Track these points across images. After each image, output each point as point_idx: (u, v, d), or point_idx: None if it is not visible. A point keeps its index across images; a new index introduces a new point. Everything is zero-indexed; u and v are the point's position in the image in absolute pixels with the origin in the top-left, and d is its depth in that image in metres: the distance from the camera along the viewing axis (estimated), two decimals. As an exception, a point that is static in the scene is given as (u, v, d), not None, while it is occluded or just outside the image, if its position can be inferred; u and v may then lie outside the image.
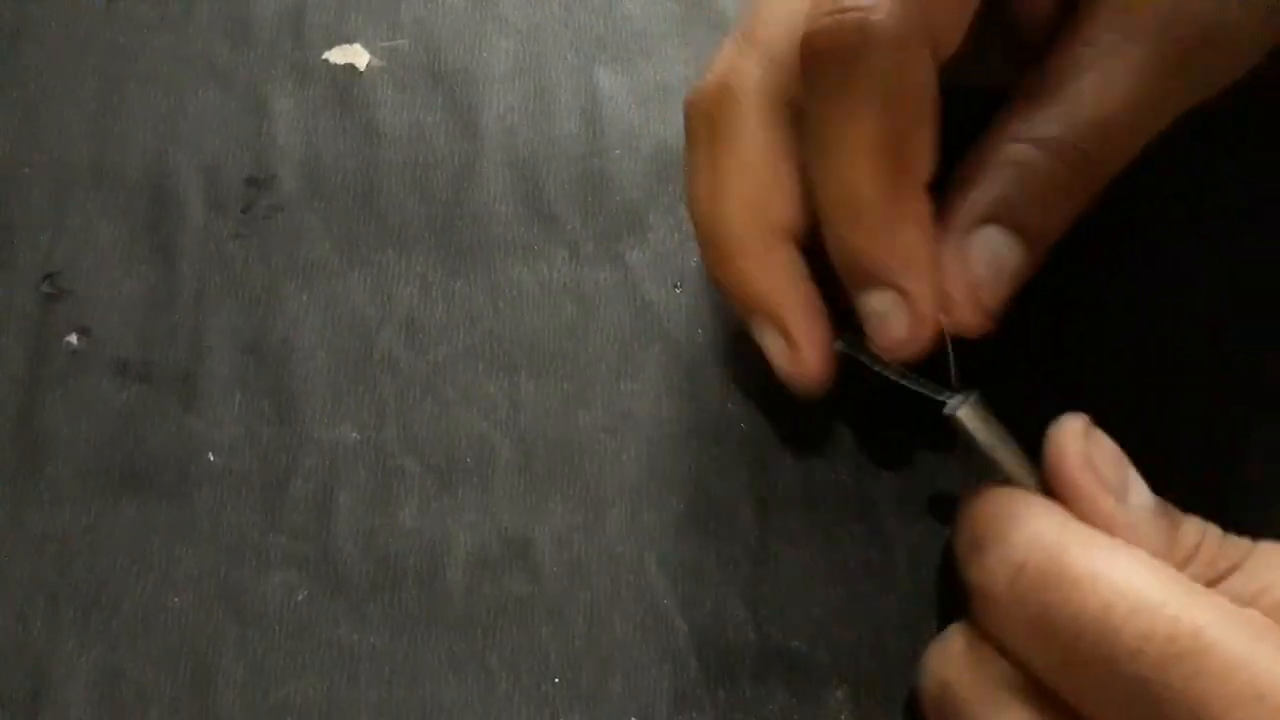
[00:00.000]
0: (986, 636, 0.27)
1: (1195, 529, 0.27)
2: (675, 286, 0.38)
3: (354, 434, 0.36)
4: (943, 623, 0.32)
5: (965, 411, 0.28)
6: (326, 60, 0.42)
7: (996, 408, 0.29)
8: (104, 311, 0.38)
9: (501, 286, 0.38)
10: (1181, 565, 0.26)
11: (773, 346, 0.31)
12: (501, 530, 0.35)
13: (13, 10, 0.43)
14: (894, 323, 0.29)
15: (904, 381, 0.29)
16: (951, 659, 0.28)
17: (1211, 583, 0.26)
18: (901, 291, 0.28)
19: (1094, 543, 0.26)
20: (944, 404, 0.29)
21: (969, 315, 0.29)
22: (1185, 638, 0.23)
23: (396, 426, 0.36)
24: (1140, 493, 0.28)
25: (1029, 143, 0.28)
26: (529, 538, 0.34)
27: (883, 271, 0.28)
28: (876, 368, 0.30)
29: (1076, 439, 0.28)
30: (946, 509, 0.33)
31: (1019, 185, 0.28)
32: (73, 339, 0.38)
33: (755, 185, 0.30)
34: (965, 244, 0.29)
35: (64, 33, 0.43)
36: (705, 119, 0.31)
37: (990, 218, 0.29)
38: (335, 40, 0.42)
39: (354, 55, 0.42)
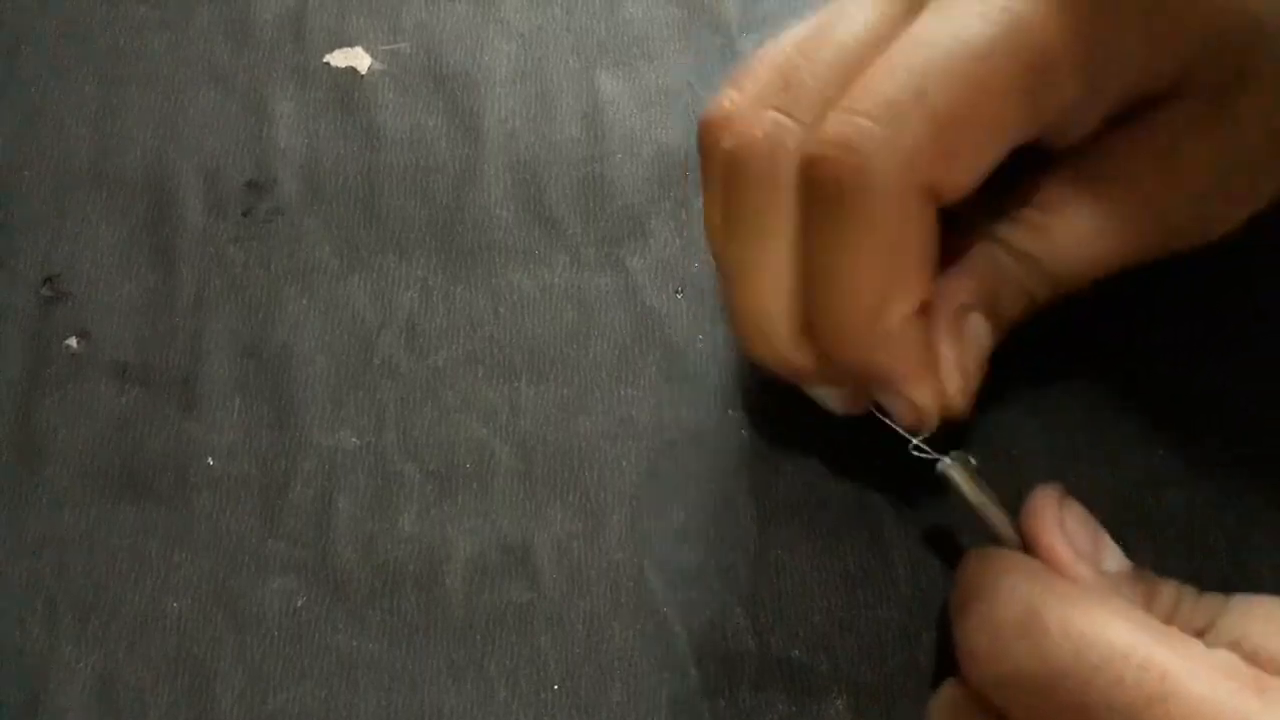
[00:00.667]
0: (972, 693, 0.28)
1: (1171, 590, 0.28)
2: (676, 292, 0.38)
3: (353, 439, 0.36)
4: (942, 634, 0.32)
5: (955, 471, 0.30)
6: (327, 63, 0.42)
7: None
8: (103, 314, 0.38)
9: (502, 291, 0.38)
10: (1164, 622, 0.27)
11: (830, 399, 0.33)
12: (501, 537, 0.35)
13: (13, 13, 0.43)
14: (902, 415, 0.31)
15: (912, 441, 0.31)
16: (943, 716, 0.29)
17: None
18: (902, 395, 0.30)
19: (1067, 595, 0.26)
20: (938, 463, 0.31)
21: (960, 398, 0.31)
22: (1153, 682, 0.24)
23: (396, 432, 0.36)
24: (1115, 559, 0.29)
25: (1009, 252, 0.31)
26: (528, 544, 0.34)
27: (882, 381, 0.30)
28: (888, 422, 0.32)
29: (1051, 507, 0.29)
30: (944, 545, 0.34)
31: (996, 284, 0.31)
32: (72, 342, 0.38)
33: (781, 268, 0.29)
34: (958, 335, 0.31)
35: (64, 35, 0.43)
36: (731, 169, 0.29)
37: (974, 307, 0.31)
38: (336, 43, 0.42)
39: (355, 58, 0.42)
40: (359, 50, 0.42)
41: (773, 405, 0.36)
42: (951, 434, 0.31)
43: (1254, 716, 0.24)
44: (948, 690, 0.29)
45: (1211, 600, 0.28)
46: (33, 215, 0.40)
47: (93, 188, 0.40)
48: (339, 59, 0.42)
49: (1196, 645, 0.25)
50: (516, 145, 0.40)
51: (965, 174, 0.28)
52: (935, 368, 0.30)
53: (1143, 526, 0.34)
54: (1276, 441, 0.35)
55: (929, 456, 0.31)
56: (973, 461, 0.31)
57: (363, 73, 0.41)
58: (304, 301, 0.38)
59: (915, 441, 0.31)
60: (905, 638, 0.33)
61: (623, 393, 0.36)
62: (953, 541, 0.33)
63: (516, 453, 0.36)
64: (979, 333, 0.31)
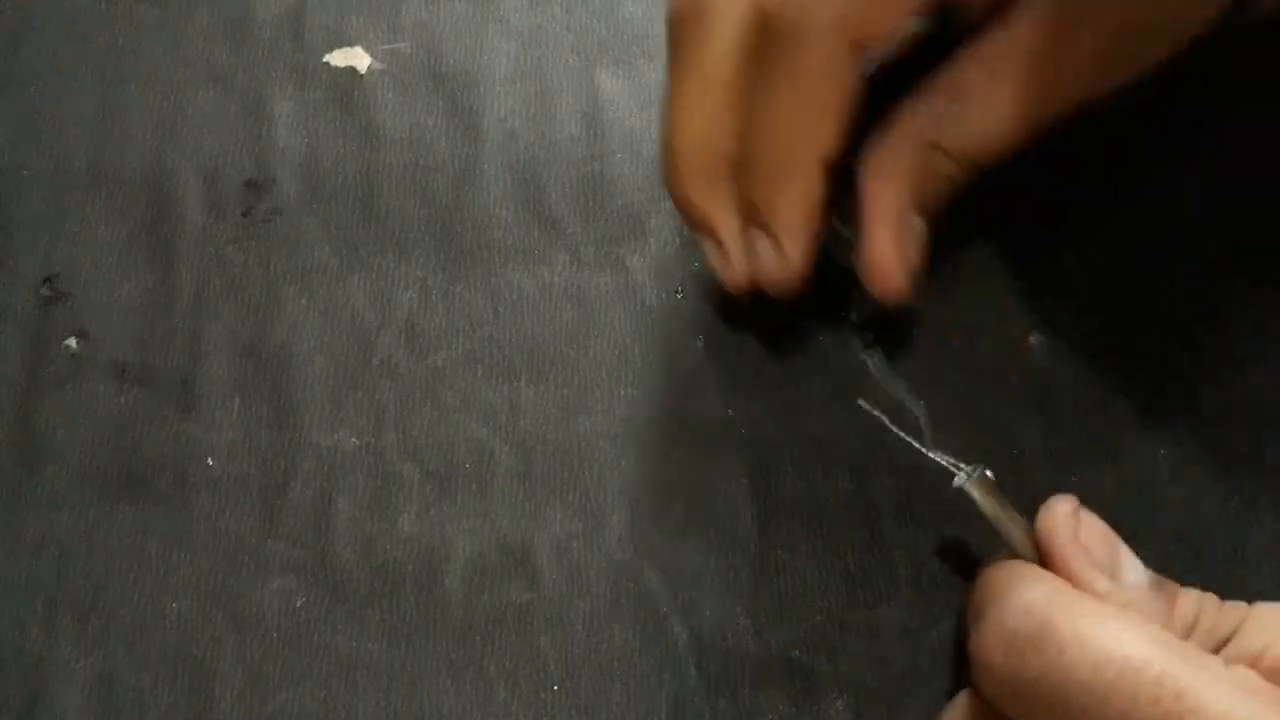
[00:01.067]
0: (986, 705, 0.28)
1: (1192, 600, 0.28)
2: (676, 292, 0.38)
3: (353, 439, 0.36)
4: (952, 640, 0.32)
5: (973, 485, 0.31)
6: (327, 63, 0.42)
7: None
8: (102, 315, 0.38)
9: (502, 291, 0.38)
10: (1183, 636, 0.27)
11: (711, 254, 0.34)
12: (500, 537, 0.35)
13: (13, 12, 0.43)
14: (768, 264, 0.33)
15: (929, 454, 0.32)
16: None
17: (1213, 649, 0.26)
18: (779, 243, 0.32)
19: (1082, 608, 0.26)
20: (955, 477, 0.31)
21: (904, 284, 0.33)
22: (1169, 699, 0.24)
23: (395, 432, 0.36)
24: (1133, 569, 0.29)
25: (943, 152, 0.33)
26: (528, 545, 0.34)
27: (768, 221, 0.32)
28: (903, 436, 0.33)
29: (1066, 520, 0.29)
30: (956, 556, 0.34)
31: (925, 181, 0.33)
32: (71, 342, 0.38)
33: (709, 109, 0.32)
34: (900, 234, 0.33)
35: (63, 34, 0.43)
36: (679, 29, 0.32)
37: (909, 208, 0.33)
38: (336, 43, 0.42)
39: (354, 58, 0.42)
40: (358, 50, 0.42)
41: (773, 405, 0.36)
42: (902, 330, 0.33)
43: None
44: (962, 700, 0.29)
45: (1233, 609, 0.28)
46: (32, 215, 0.40)
47: (92, 188, 0.40)
48: (338, 58, 0.42)
49: (1214, 661, 0.25)
50: (516, 145, 0.40)
51: (888, 24, 0.30)
52: (813, 225, 0.32)
53: (1143, 526, 0.34)
54: (1277, 442, 0.35)
55: (948, 465, 0.31)
56: (989, 475, 0.31)
57: (362, 72, 0.41)
58: (303, 301, 0.38)
59: (929, 453, 0.32)
60: (906, 638, 0.33)
61: (623, 393, 0.36)
62: (966, 553, 0.33)
63: (516, 453, 0.36)
64: (916, 229, 0.33)
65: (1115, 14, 0.32)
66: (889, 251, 0.33)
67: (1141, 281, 0.37)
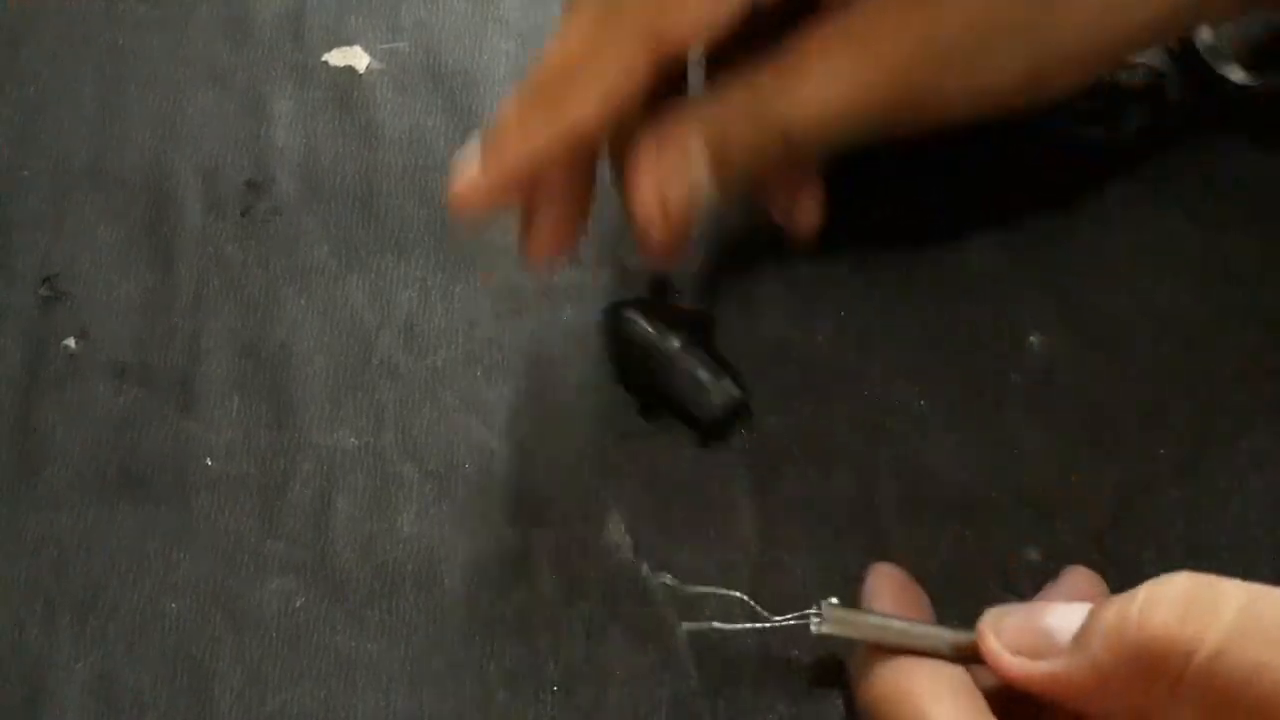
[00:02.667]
0: None
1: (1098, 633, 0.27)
2: (676, 292, 0.38)
3: (352, 439, 0.36)
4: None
5: (828, 625, 0.29)
6: (326, 62, 0.42)
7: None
8: (102, 314, 0.38)
9: (501, 291, 0.38)
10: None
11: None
12: (500, 538, 0.34)
13: (12, 11, 0.43)
14: (461, 169, 0.32)
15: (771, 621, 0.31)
16: None
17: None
18: (483, 161, 0.31)
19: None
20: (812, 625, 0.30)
21: (655, 227, 0.32)
22: None
23: (395, 432, 0.36)
24: (1057, 630, 0.27)
25: (748, 114, 0.31)
26: (527, 546, 0.34)
27: (495, 137, 0.31)
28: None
29: (988, 622, 0.28)
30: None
31: (728, 134, 0.31)
32: (70, 342, 0.38)
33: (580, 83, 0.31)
34: (667, 156, 0.31)
35: (63, 34, 0.43)
36: None
37: (692, 134, 0.31)
38: (335, 42, 0.42)
39: (354, 57, 0.42)
40: (357, 49, 0.42)
41: (773, 406, 0.36)
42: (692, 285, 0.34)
43: None
44: None
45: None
46: (31, 215, 0.40)
47: (91, 187, 0.40)
48: (337, 58, 0.42)
49: None
50: (516, 144, 0.40)
51: (696, 26, 0.30)
52: (507, 173, 0.31)
53: (1143, 526, 0.34)
54: (1277, 441, 0.35)
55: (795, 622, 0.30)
56: (834, 602, 0.29)
57: (361, 72, 0.41)
58: (302, 301, 0.38)
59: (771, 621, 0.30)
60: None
61: (622, 393, 0.36)
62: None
63: (515, 453, 0.36)
64: (697, 170, 0.31)
65: (969, 14, 0.31)
66: (652, 172, 0.31)
67: (1141, 281, 0.37)
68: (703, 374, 0.34)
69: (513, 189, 0.32)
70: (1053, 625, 0.27)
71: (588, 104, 0.30)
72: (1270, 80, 0.38)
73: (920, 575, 0.33)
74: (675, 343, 0.35)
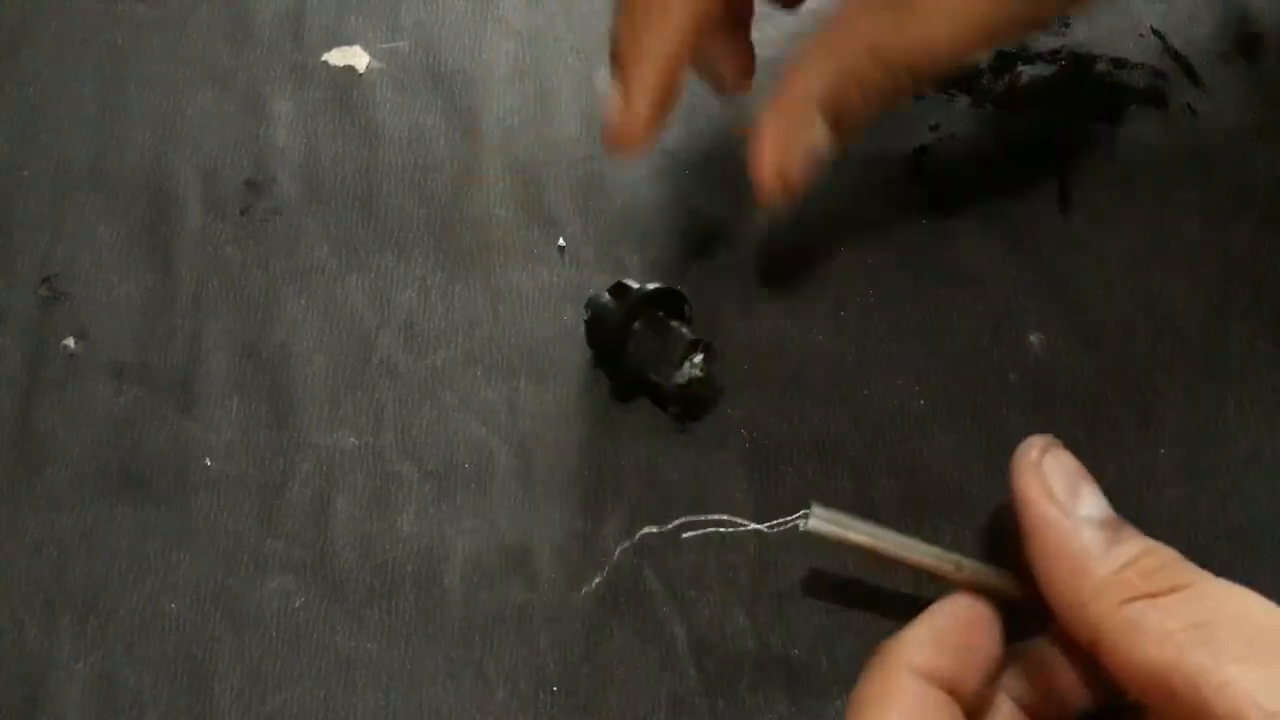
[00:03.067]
0: None
1: (1137, 545, 0.27)
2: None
3: (352, 439, 0.36)
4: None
5: (815, 521, 0.29)
6: (326, 62, 0.42)
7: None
8: (102, 315, 0.38)
9: (501, 291, 0.38)
10: (1114, 572, 0.26)
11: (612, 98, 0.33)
12: (500, 537, 0.34)
13: (12, 12, 0.43)
14: (611, 116, 0.32)
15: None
16: None
17: (1147, 594, 0.26)
18: (626, 96, 0.31)
19: None
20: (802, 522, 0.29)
21: (776, 196, 0.32)
22: None
23: (394, 432, 0.36)
24: (1091, 505, 0.28)
25: (878, 60, 0.31)
26: (527, 544, 0.34)
27: (623, 68, 0.31)
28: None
29: (1033, 451, 0.29)
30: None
31: (852, 86, 0.31)
32: (70, 342, 0.38)
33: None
34: (792, 133, 0.31)
35: (63, 34, 0.43)
36: None
37: (820, 108, 0.31)
38: (335, 42, 0.42)
39: (353, 57, 0.42)
40: (357, 49, 0.42)
41: (772, 405, 0.36)
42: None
43: None
44: None
45: (1185, 570, 0.26)
46: (31, 215, 0.40)
47: (91, 187, 0.40)
48: (337, 58, 0.42)
49: None
50: (515, 144, 0.40)
51: None
52: (665, 85, 0.31)
53: (1143, 526, 0.33)
54: (1277, 441, 0.35)
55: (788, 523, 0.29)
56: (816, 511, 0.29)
57: (361, 71, 0.41)
58: (302, 301, 0.38)
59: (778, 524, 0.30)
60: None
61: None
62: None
63: (515, 452, 0.36)
64: (818, 138, 0.32)
65: None
66: (773, 144, 0.31)
67: (1141, 281, 0.37)
68: (665, 349, 0.34)
69: (662, 109, 0.32)
70: (1084, 498, 0.28)
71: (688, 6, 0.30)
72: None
73: (920, 578, 0.33)
74: (639, 321, 0.34)
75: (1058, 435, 0.35)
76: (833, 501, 0.34)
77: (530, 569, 0.34)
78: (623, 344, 0.34)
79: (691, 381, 0.34)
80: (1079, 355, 0.36)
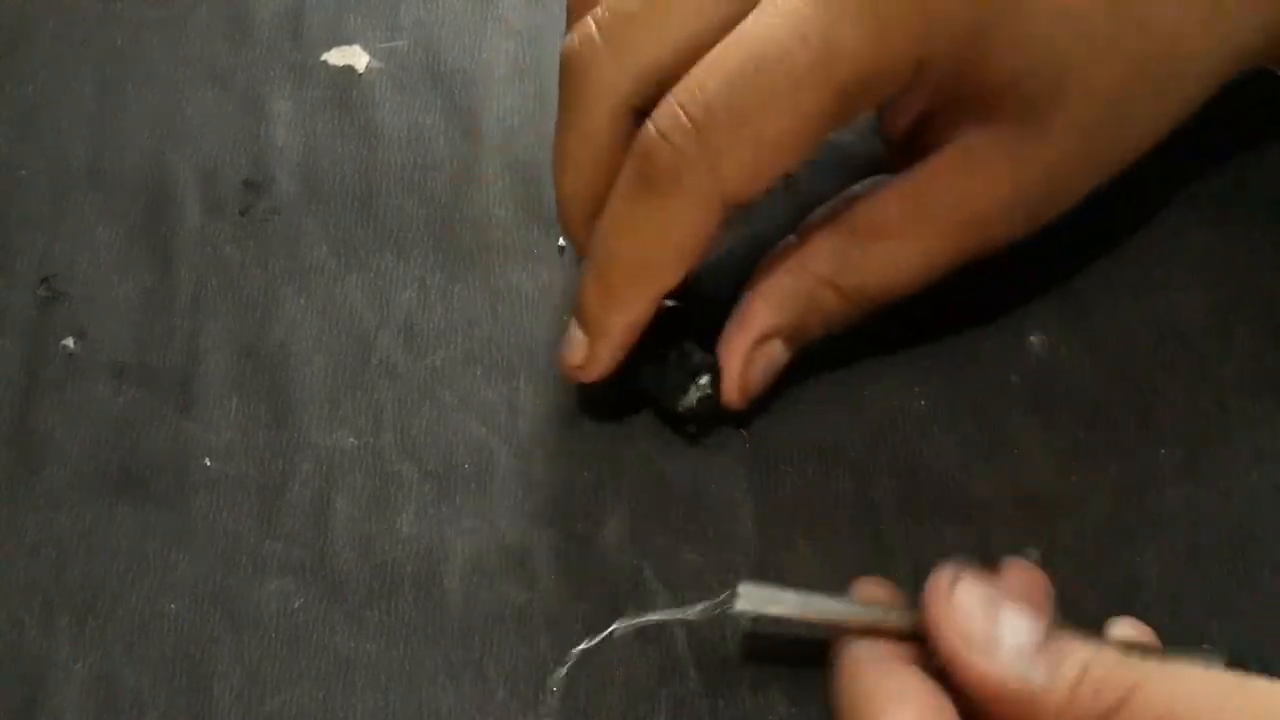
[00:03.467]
0: None
1: (1081, 657, 0.25)
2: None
3: (351, 439, 0.36)
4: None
5: (746, 602, 0.29)
6: (325, 61, 0.42)
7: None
8: (101, 314, 0.38)
9: (500, 291, 0.38)
10: (1066, 698, 0.25)
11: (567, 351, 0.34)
12: (500, 537, 0.34)
13: (11, 11, 0.43)
14: (573, 355, 0.33)
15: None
16: None
17: (1106, 713, 0.24)
18: (591, 345, 0.33)
19: None
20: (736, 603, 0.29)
21: (737, 406, 0.34)
22: None
23: (394, 432, 0.36)
24: (1013, 633, 0.26)
25: (836, 290, 0.33)
26: (527, 545, 0.34)
27: (589, 324, 0.33)
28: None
29: (943, 594, 0.27)
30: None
31: (810, 315, 0.33)
32: (69, 342, 0.38)
33: (586, 165, 0.32)
34: (751, 354, 0.34)
35: (62, 33, 0.43)
36: (564, 78, 0.32)
37: (775, 336, 0.34)
38: (334, 41, 0.42)
39: (353, 56, 0.42)
40: (357, 48, 0.42)
41: (772, 406, 0.36)
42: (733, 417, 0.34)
43: None
44: None
45: (1133, 666, 0.25)
46: (30, 215, 0.40)
47: (90, 187, 0.40)
48: (336, 57, 0.42)
49: None
50: (515, 144, 0.40)
51: (762, 181, 0.30)
52: (628, 344, 0.33)
53: (1143, 526, 0.34)
54: (1277, 440, 0.35)
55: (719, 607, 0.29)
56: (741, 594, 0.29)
57: (360, 71, 0.41)
58: (301, 301, 0.38)
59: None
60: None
61: (621, 392, 0.36)
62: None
63: (515, 452, 0.36)
64: (774, 356, 0.34)
65: (1046, 151, 0.32)
66: (733, 369, 0.34)
67: (1142, 281, 0.37)
68: (673, 373, 0.34)
69: (625, 351, 0.33)
70: (1006, 628, 0.26)
71: (667, 271, 0.32)
72: None
73: (920, 575, 0.33)
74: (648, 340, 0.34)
75: (1058, 435, 0.35)
76: (833, 502, 0.35)
77: (530, 569, 0.34)
78: (633, 369, 0.34)
79: (700, 402, 0.34)
80: (1080, 356, 0.36)
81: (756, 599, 0.28)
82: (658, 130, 0.30)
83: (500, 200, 0.39)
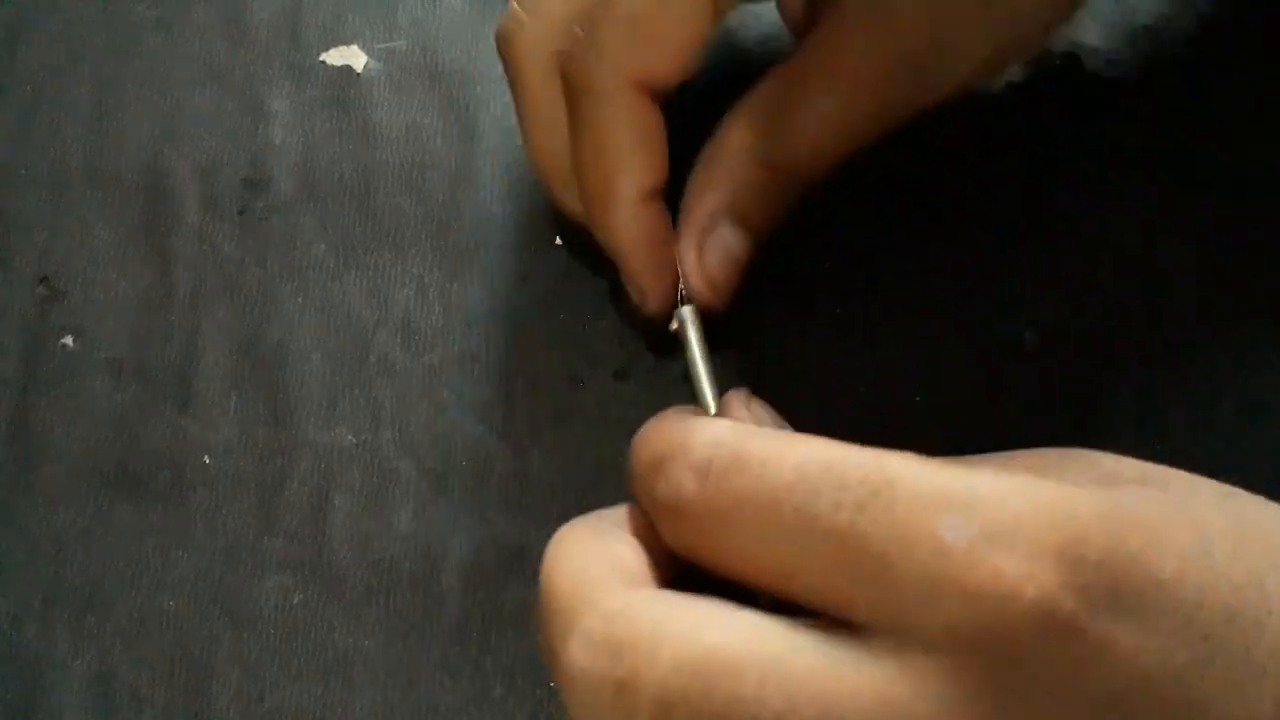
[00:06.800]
0: (681, 552, 0.26)
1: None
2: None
3: (349, 437, 0.36)
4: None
5: (689, 322, 0.32)
6: (323, 61, 0.42)
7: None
8: (99, 313, 0.38)
9: (498, 289, 0.38)
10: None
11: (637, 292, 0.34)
12: (497, 535, 0.35)
13: (9, 10, 0.43)
14: (632, 296, 0.34)
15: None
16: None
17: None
18: (628, 277, 0.33)
19: (772, 435, 0.26)
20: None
21: (708, 298, 0.34)
22: (875, 477, 0.24)
23: (392, 430, 0.36)
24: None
25: (757, 163, 0.33)
26: (525, 543, 0.34)
27: (624, 263, 0.33)
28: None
29: (739, 396, 0.31)
30: None
31: (746, 193, 0.33)
32: (68, 340, 0.38)
33: (543, 131, 0.34)
34: (703, 242, 0.33)
35: (60, 33, 0.43)
36: (501, 52, 0.34)
37: (723, 216, 0.33)
38: (332, 41, 0.42)
39: (351, 56, 0.42)
40: (355, 48, 0.42)
41: (771, 404, 0.36)
42: (713, 325, 0.33)
43: (965, 474, 0.23)
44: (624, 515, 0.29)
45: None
46: (28, 214, 0.40)
47: (88, 186, 0.40)
48: (335, 57, 0.42)
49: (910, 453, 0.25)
50: (513, 143, 0.40)
51: (672, 64, 0.32)
52: (665, 260, 0.33)
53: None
54: (1277, 441, 0.35)
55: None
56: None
57: (358, 71, 0.41)
58: (300, 299, 0.38)
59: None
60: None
61: (619, 390, 0.36)
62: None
63: (512, 450, 0.36)
64: (729, 240, 0.34)
65: (924, 23, 0.32)
66: (690, 260, 0.34)
67: (1139, 280, 0.37)
68: None
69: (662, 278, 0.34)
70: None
71: (634, 167, 0.32)
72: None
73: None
74: None
75: (1054, 434, 0.35)
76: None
77: (528, 566, 0.34)
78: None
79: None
80: (1075, 353, 0.36)
81: (691, 325, 0.32)
82: (564, 53, 0.32)
83: (498, 199, 0.39)
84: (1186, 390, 0.35)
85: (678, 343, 0.33)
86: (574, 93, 0.32)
